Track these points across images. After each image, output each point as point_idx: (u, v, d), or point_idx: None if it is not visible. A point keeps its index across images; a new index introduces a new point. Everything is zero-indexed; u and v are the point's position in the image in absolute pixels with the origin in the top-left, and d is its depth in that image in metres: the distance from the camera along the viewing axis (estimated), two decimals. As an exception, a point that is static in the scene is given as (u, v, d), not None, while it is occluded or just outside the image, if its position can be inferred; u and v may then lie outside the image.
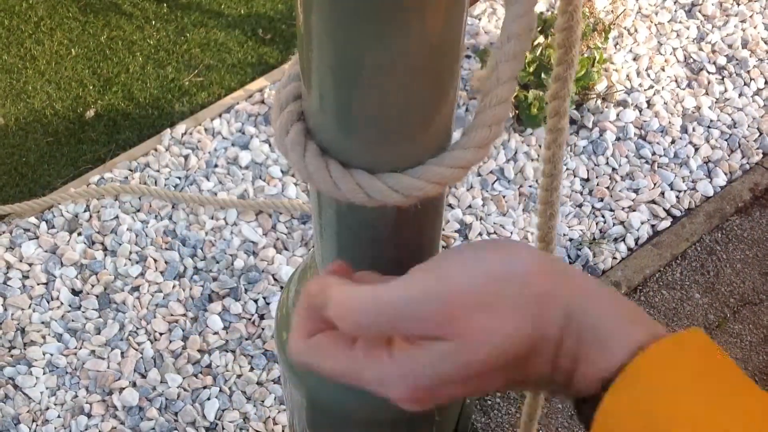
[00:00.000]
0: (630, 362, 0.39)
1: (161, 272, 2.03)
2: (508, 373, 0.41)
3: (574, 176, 2.24)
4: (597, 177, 2.24)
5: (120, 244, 2.06)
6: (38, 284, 2.01)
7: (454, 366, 0.40)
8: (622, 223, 2.16)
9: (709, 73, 2.47)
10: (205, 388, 1.87)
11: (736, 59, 2.51)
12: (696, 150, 2.31)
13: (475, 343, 0.40)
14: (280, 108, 0.47)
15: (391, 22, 0.39)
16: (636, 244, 2.13)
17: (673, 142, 2.32)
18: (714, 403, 0.37)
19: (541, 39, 2.30)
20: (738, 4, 2.65)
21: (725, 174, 2.27)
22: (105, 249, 2.07)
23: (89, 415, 1.84)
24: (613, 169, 2.26)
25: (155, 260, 2.04)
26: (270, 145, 2.25)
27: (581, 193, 2.21)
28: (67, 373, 1.90)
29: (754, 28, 2.59)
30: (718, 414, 0.37)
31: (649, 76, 2.46)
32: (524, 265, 0.42)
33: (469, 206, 2.15)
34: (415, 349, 0.41)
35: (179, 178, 2.20)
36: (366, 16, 0.39)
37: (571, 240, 2.11)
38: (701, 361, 0.39)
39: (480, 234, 2.11)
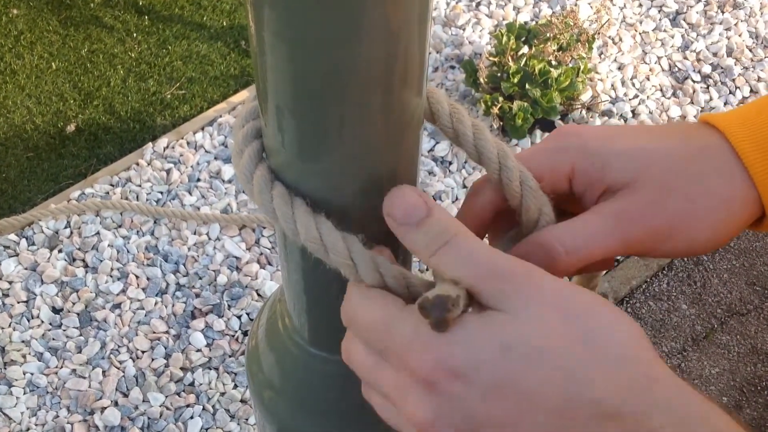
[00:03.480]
0: None
1: (143, 289, 2.00)
2: None
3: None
4: (583, 187, 2.23)
5: (101, 261, 2.04)
6: (18, 302, 1.98)
7: None
8: (608, 233, 2.15)
9: (694, 81, 2.47)
10: (188, 406, 1.85)
11: (721, 67, 2.50)
12: (682, 159, 2.30)
13: None
14: (240, 151, 0.46)
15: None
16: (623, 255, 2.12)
17: (658, 151, 2.31)
18: None
19: (525, 49, 2.30)
20: (722, 12, 2.65)
21: (711, 183, 2.26)
22: (86, 266, 2.04)
23: (70, 436, 1.81)
24: (599, 179, 2.25)
25: (137, 277, 2.02)
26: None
27: (567, 204, 2.20)
28: (48, 392, 1.87)
29: (739, 36, 2.59)
30: None
31: (634, 85, 2.45)
32: None
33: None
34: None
35: (161, 192, 2.17)
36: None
37: (557, 251, 2.10)
38: None
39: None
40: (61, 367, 1.90)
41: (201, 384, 1.87)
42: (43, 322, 1.95)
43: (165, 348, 1.92)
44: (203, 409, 1.84)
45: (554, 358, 0.37)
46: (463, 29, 2.55)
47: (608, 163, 0.48)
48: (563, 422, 0.37)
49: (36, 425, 1.82)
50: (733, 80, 2.47)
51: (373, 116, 0.42)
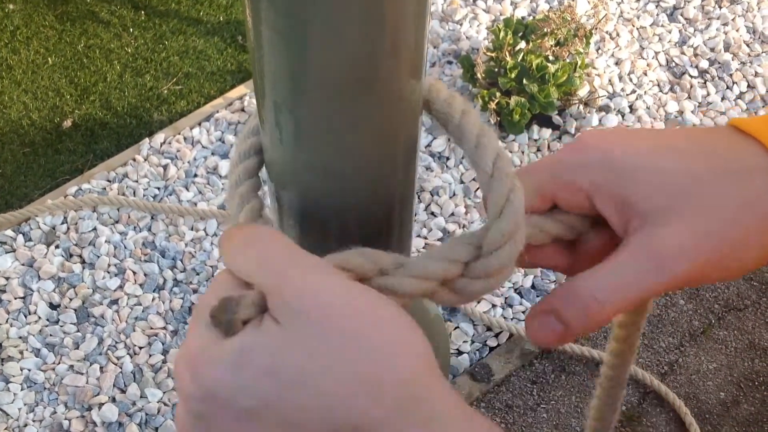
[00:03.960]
0: None
1: (140, 285, 2.00)
2: None
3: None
4: (580, 183, 2.23)
5: (98, 257, 2.03)
6: (15, 298, 1.98)
7: None
8: (605, 229, 2.15)
9: (691, 77, 2.47)
10: (185, 402, 1.84)
11: (719, 63, 2.50)
12: (679, 154, 2.30)
13: None
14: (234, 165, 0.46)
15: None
16: (620, 250, 2.12)
17: (656, 146, 2.31)
18: None
19: (522, 44, 2.29)
20: (720, 8, 2.64)
21: (708, 178, 2.26)
22: (83, 261, 2.04)
23: (68, 432, 1.81)
24: (597, 174, 2.25)
25: (134, 272, 2.01)
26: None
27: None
28: (45, 389, 1.86)
29: (737, 31, 2.58)
30: None
31: (631, 80, 2.45)
32: None
33: (452, 214, 2.14)
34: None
35: (158, 188, 2.17)
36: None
37: (554, 247, 2.09)
38: None
39: (463, 242, 2.08)
40: (59, 363, 1.89)
41: (198, 380, 1.87)
42: (40, 318, 1.95)
43: (162, 344, 1.92)
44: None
45: (318, 383, 0.36)
46: (461, 24, 2.54)
47: (636, 183, 0.44)
48: None
49: (33, 421, 1.82)
50: (731, 75, 2.47)
51: (372, 110, 0.42)
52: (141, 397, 1.85)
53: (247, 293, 0.38)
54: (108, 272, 2.02)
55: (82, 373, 1.88)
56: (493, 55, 2.26)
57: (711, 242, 0.42)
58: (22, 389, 1.86)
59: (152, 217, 2.11)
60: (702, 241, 0.42)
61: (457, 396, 0.39)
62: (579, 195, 0.46)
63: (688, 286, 0.44)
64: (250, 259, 0.40)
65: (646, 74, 2.46)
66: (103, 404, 1.83)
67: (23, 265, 2.03)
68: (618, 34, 2.55)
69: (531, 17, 2.52)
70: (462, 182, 2.19)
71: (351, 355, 0.36)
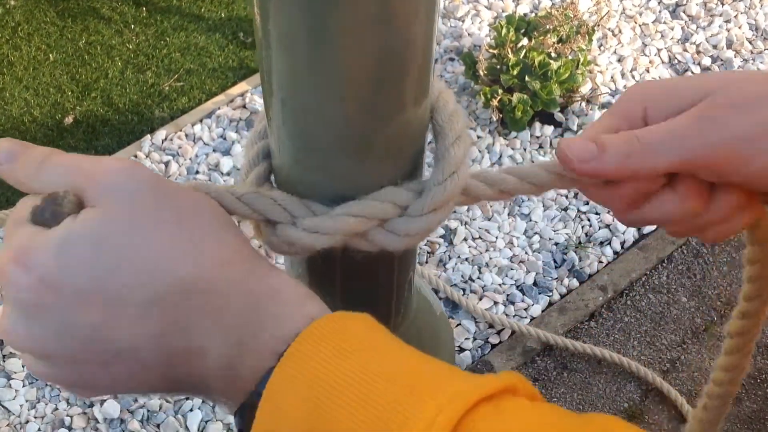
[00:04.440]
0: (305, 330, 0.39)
1: (142, 281, 2.00)
2: None
3: (560, 179, 2.22)
4: (582, 180, 2.22)
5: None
6: (17, 295, 1.98)
7: None
8: (608, 226, 2.15)
9: (693, 74, 2.46)
10: (187, 398, 1.84)
11: (721, 60, 2.50)
12: (681, 152, 2.30)
13: None
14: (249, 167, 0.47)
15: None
16: (622, 247, 2.12)
17: (658, 143, 2.31)
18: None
19: (524, 41, 2.29)
20: (722, 4, 2.64)
21: (711, 176, 2.26)
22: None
23: (70, 428, 1.81)
24: (599, 171, 2.24)
25: (136, 269, 2.01)
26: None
27: (566, 197, 2.19)
28: (47, 385, 1.86)
29: (739, 28, 2.58)
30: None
31: (633, 77, 2.44)
32: None
33: (454, 211, 2.13)
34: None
35: (160, 185, 2.16)
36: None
37: (556, 244, 2.09)
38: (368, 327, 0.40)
39: (465, 239, 2.09)
40: (60, 359, 1.89)
41: (200, 377, 1.87)
42: (41, 314, 1.95)
43: (164, 341, 1.91)
44: (203, 401, 1.84)
45: (142, 249, 0.39)
46: (463, 21, 2.54)
47: (678, 89, 0.47)
48: (155, 309, 0.39)
49: (35, 418, 1.82)
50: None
51: (380, 108, 0.42)
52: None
53: (68, 191, 0.41)
54: (110, 269, 2.01)
55: (83, 370, 1.87)
56: (495, 52, 2.26)
57: (723, 133, 0.45)
58: (23, 385, 1.86)
59: (154, 214, 2.10)
60: (714, 129, 0.45)
61: (271, 263, 0.43)
62: (638, 122, 0.49)
63: (704, 176, 0.46)
64: (53, 172, 0.42)
65: (648, 71, 2.46)
66: (104, 401, 1.83)
67: (25, 261, 2.02)
68: (620, 31, 2.55)
69: (533, 14, 2.52)
70: (464, 179, 2.18)
71: (167, 223, 0.40)
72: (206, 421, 1.82)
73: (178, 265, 0.39)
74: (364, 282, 0.52)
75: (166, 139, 2.26)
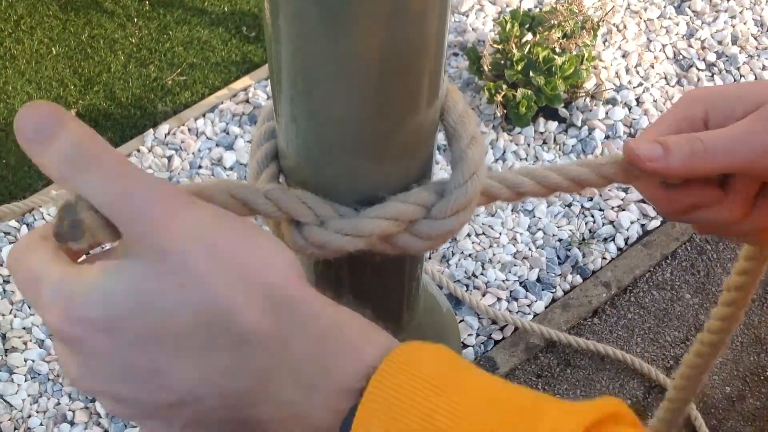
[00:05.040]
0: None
1: (145, 276, 1.99)
2: None
3: (563, 175, 2.21)
4: (586, 176, 2.22)
5: (102, 247, 2.02)
6: (19, 289, 1.97)
7: None
8: (611, 222, 2.14)
9: (698, 69, 2.45)
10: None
11: (726, 55, 2.49)
12: (686, 148, 2.29)
13: None
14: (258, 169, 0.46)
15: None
16: (626, 244, 2.11)
17: (662, 140, 2.30)
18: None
19: (529, 36, 2.28)
20: (727, 0, 2.63)
21: (715, 172, 2.25)
22: (86, 252, 2.03)
23: (72, 423, 1.81)
24: (603, 167, 2.24)
25: (138, 264, 2.01)
26: (255, 146, 2.22)
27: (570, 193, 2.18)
28: (49, 380, 1.86)
29: (744, 23, 2.57)
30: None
31: (638, 73, 2.43)
32: None
33: (458, 206, 2.13)
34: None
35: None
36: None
37: (560, 240, 2.09)
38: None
39: (468, 235, 2.08)
40: (63, 354, 1.89)
41: (203, 372, 1.87)
42: (44, 309, 1.94)
43: (166, 335, 1.91)
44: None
45: (195, 298, 0.36)
46: (467, 16, 2.53)
47: (740, 94, 0.51)
48: (209, 356, 0.36)
49: (37, 412, 1.82)
50: (738, 68, 2.46)
51: (389, 102, 0.41)
52: (145, 388, 1.84)
53: (79, 196, 0.37)
54: (112, 263, 2.01)
55: (86, 365, 1.87)
56: (499, 47, 2.25)
57: None
58: (26, 380, 1.86)
59: (156, 209, 2.10)
60: None
61: (325, 297, 0.39)
62: (699, 126, 0.53)
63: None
64: (108, 189, 0.37)
65: (653, 67, 2.45)
66: (107, 396, 1.83)
67: (27, 255, 2.02)
68: (625, 27, 2.54)
69: (538, 9, 2.51)
70: (467, 175, 2.18)
71: (214, 276, 0.36)
72: (209, 417, 1.82)
73: (236, 312, 0.37)
74: (373, 281, 0.52)
75: (168, 133, 2.25)
